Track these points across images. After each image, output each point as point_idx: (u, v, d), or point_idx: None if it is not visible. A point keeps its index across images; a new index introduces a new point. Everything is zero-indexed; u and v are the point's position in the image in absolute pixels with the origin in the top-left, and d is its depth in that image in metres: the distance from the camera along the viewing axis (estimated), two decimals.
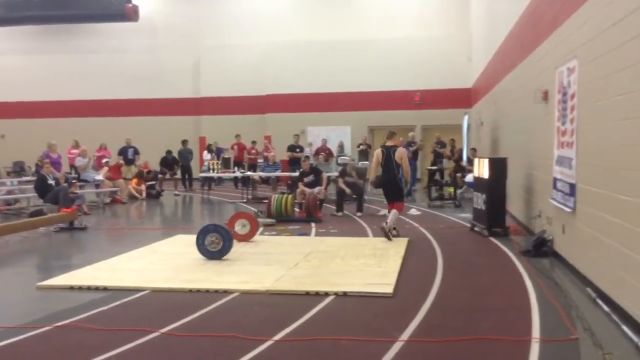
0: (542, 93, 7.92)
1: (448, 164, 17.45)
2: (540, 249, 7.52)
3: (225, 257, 7.40)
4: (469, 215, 10.89)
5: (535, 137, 8.72)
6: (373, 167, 9.98)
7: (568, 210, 6.50)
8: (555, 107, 7.14)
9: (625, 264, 4.72)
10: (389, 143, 9.68)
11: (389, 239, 8.75)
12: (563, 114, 6.79)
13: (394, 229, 9.08)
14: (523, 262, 7.18)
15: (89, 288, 6.10)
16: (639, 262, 4.37)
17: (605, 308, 5.01)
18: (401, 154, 9.44)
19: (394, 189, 9.46)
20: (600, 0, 5.40)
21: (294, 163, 17.36)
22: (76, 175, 15.68)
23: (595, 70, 5.59)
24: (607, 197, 5.20)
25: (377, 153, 9.70)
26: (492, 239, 8.92)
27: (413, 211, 12.32)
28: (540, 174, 8.37)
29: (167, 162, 18.40)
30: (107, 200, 15.42)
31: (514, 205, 10.62)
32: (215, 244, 7.38)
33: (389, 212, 9.47)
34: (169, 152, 18.68)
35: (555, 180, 7.17)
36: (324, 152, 18.82)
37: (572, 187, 6.34)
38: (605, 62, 5.27)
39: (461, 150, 17.62)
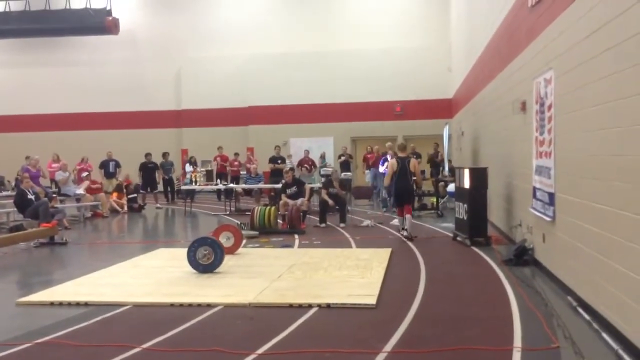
0: (520, 103, 8.04)
1: (427, 171, 17.55)
2: (521, 257, 7.59)
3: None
4: (451, 225, 10.96)
5: (514, 147, 8.83)
6: (388, 175, 10.81)
7: (548, 219, 6.58)
8: (534, 117, 7.25)
9: (603, 272, 4.78)
10: (402, 154, 10.84)
11: (412, 239, 10.01)
12: (541, 124, 6.89)
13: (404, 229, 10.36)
14: (505, 271, 7.24)
15: (69, 304, 6.04)
16: (617, 270, 4.44)
17: (586, 316, 5.07)
18: (414, 164, 10.76)
19: (410, 194, 10.72)
20: (574, 13, 5.51)
21: (275, 174, 17.36)
22: (56, 190, 15.52)
23: (570, 81, 5.69)
24: (584, 206, 5.28)
25: (393, 163, 10.68)
26: (474, 248, 8.98)
27: (396, 221, 12.36)
28: (520, 184, 8.46)
29: (147, 168, 18.24)
30: (88, 214, 15.28)
31: (495, 215, 10.71)
32: (207, 257, 7.33)
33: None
34: (148, 154, 18.50)
35: (534, 189, 7.26)
36: (306, 163, 18.87)
37: (551, 196, 6.43)
38: (580, 74, 5.37)
39: (442, 160, 17.75)
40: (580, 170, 5.42)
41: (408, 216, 10.30)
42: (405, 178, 10.39)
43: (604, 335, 4.55)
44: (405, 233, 10.22)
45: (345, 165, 18.65)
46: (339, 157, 19.46)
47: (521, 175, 8.29)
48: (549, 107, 6.49)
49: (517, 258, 7.61)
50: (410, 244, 9.67)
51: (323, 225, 12.12)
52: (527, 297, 5.89)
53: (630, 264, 4.20)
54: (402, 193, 10.50)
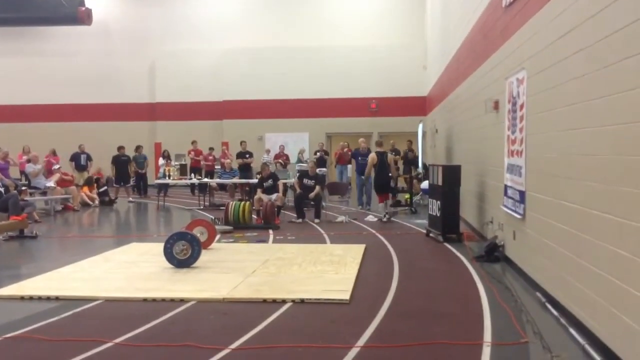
0: (493, 103, 8.14)
1: (401, 168, 17.66)
2: (492, 254, 7.71)
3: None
4: (424, 222, 11.07)
5: (487, 146, 8.95)
6: (368, 168, 12.94)
7: (518, 216, 6.69)
8: (506, 116, 7.35)
9: (571, 269, 4.89)
10: (380, 149, 13.09)
11: (389, 219, 12.00)
12: (513, 123, 7.00)
13: (387, 213, 12.17)
14: (476, 267, 7.35)
15: (40, 298, 5.95)
16: (585, 267, 4.54)
17: (554, 312, 5.18)
18: (391, 158, 13.21)
19: (386, 183, 12.70)
20: (547, 14, 5.60)
21: (243, 169, 17.32)
22: (27, 182, 15.25)
23: (542, 81, 5.78)
24: (554, 204, 5.39)
25: (373, 157, 12.85)
26: (446, 244, 9.09)
27: (370, 217, 12.46)
28: (492, 181, 8.58)
29: (120, 162, 17.98)
30: (59, 207, 15.05)
31: (468, 212, 10.84)
32: (184, 252, 7.28)
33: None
34: (120, 147, 18.23)
35: (506, 187, 7.37)
36: (281, 158, 18.87)
37: (522, 194, 6.54)
38: (551, 74, 5.47)
39: (416, 157, 17.89)
40: (551, 169, 5.52)
41: (387, 202, 12.59)
42: (384, 171, 12.55)
43: (572, 330, 4.65)
44: (385, 218, 12.02)
45: (321, 161, 18.69)
46: (316, 152, 19.49)
47: (493, 173, 8.41)
48: (521, 107, 6.59)
49: (488, 254, 7.73)
50: (384, 240, 9.74)
51: (299, 220, 12.13)
52: (497, 292, 5.99)
53: (597, 262, 4.30)
54: (381, 182, 12.59)
